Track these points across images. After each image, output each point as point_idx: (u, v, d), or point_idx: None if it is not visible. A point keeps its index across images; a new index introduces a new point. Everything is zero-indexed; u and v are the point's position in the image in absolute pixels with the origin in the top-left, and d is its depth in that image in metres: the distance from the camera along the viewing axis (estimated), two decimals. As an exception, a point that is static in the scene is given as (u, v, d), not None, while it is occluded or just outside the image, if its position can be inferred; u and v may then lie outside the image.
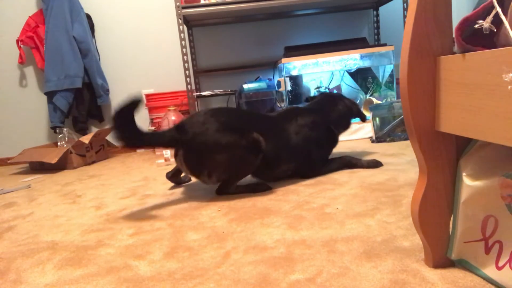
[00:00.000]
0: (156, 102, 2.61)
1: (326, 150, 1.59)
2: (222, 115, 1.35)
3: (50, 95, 2.67)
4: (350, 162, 1.60)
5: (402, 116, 2.06)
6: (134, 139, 1.28)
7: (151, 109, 2.65)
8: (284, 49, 2.55)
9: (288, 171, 1.50)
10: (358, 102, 2.63)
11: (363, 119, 1.75)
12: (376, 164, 1.57)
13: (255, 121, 1.43)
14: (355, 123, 2.35)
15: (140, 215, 1.29)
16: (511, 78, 0.49)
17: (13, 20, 2.74)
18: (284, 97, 2.46)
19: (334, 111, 1.63)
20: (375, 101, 2.31)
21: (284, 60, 2.40)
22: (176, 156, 1.39)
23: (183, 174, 1.61)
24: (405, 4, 2.57)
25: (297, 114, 1.53)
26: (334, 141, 1.62)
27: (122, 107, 1.23)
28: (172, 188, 1.60)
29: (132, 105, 1.25)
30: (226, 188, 1.39)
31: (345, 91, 2.64)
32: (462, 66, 0.59)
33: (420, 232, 0.73)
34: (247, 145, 1.31)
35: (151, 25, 2.80)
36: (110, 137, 2.77)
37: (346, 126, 1.67)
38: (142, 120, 2.88)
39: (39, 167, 2.43)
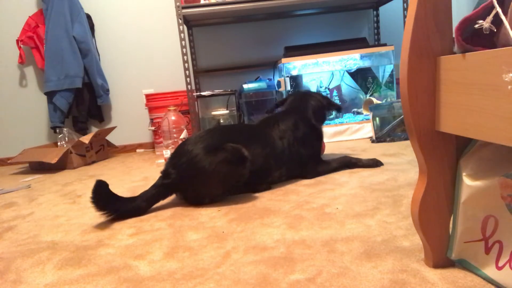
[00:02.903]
0: (156, 102, 2.61)
1: (315, 147, 1.59)
2: (201, 141, 1.35)
3: (50, 95, 2.67)
4: (350, 162, 1.60)
5: (402, 116, 2.06)
6: (132, 211, 1.28)
7: (151, 109, 2.64)
8: (284, 49, 2.55)
9: (282, 177, 1.50)
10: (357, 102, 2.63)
11: (339, 109, 1.75)
12: (376, 163, 1.58)
13: (235, 134, 1.43)
14: (355, 123, 2.36)
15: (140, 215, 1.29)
16: (511, 78, 0.49)
17: (13, 20, 2.74)
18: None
19: (308, 107, 1.65)
20: (375, 101, 2.31)
21: (284, 60, 2.40)
22: (176, 195, 1.44)
23: None
24: (405, 4, 2.57)
25: (278, 119, 1.55)
26: (320, 136, 1.63)
27: (94, 193, 1.21)
28: (172, 188, 1.60)
29: (100, 187, 1.23)
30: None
31: (345, 91, 2.64)
32: (462, 66, 0.59)
33: (420, 232, 0.73)
34: (229, 157, 1.30)
35: (151, 25, 2.80)
36: (110, 137, 2.77)
37: (322, 119, 1.70)
38: (142, 120, 2.89)
39: (39, 167, 2.43)
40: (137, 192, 1.58)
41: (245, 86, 2.49)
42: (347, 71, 2.60)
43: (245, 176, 1.35)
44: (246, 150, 1.34)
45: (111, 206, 1.24)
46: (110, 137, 2.77)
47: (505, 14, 0.55)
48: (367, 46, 2.45)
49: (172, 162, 1.36)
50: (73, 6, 2.61)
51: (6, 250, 1.11)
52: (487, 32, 0.56)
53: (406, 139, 2.08)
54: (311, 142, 1.56)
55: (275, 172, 1.47)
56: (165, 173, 1.35)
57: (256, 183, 1.43)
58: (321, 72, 2.55)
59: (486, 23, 0.56)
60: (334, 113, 2.54)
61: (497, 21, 0.56)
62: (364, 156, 1.80)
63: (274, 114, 1.63)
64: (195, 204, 1.36)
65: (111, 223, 1.24)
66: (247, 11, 2.60)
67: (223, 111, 2.49)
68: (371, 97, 2.42)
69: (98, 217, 1.32)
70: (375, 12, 2.85)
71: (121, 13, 2.78)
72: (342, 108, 1.76)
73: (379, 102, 2.30)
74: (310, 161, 1.55)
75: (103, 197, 1.23)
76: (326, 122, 2.46)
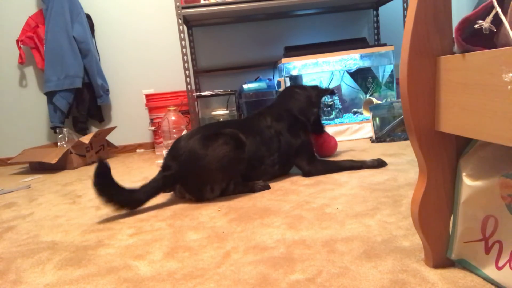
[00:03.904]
0: (156, 102, 2.61)
1: (303, 138, 1.60)
2: (197, 132, 1.39)
3: (50, 95, 2.67)
4: (352, 166, 1.59)
5: (402, 116, 2.06)
6: (132, 202, 1.29)
7: (151, 109, 2.64)
8: (284, 49, 2.55)
9: (275, 164, 1.52)
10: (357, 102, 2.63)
11: (331, 92, 1.81)
12: (381, 164, 1.57)
13: (227, 125, 1.48)
14: (355, 123, 2.35)
15: (140, 215, 1.29)
16: (511, 78, 0.49)
17: (13, 20, 2.74)
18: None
19: (293, 102, 1.68)
20: (375, 101, 2.31)
21: (284, 60, 2.40)
22: (174, 191, 1.45)
23: None
24: (405, 4, 2.57)
25: (263, 113, 1.61)
26: (306, 128, 1.65)
27: (96, 174, 1.23)
28: (172, 188, 1.60)
29: (102, 169, 1.25)
30: (223, 190, 1.39)
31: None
32: (462, 66, 0.59)
33: (420, 232, 0.73)
34: (228, 140, 1.34)
35: (151, 25, 2.80)
36: (110, 137, 2.77)
37: (310, 110, 1.70)
38: (142, 120, 2.89)
39: (39, 167, 2.43)
40: (137, 192, 1.59)
41: (245, 86, 2.49)
42: (347, 71, 2.60)
43: (244, 163, 1.38)
44: (240, 134, 1.39)
45: (111, 193, 1.25)
46: (110, 137, 2.77)
47: (505, 14, 0.55)
48: (367, 46, 2.45)
49: (170, 155, 1.38)
50: (73, 6, 2.61)
51: (6, 250, 1.11)
52: (487, 32, 0.56)
53: (406, 139, 2.08)
54: (297, 132, 1.59)
55: (268, 159, 1.50)
56: (165, 166, 1.37)
57: (253, 176, 1.46)
58: (321, 72, 2.55)
59: (486, 23, 0.56)
60: (334, 113, 2.54)
61: (497, 21, 0.56)
62: (365, 156, 1.80)
63: (259, 109, 1.69)
64: (196, 195, 1.37)
65: (111, 223, 1.24)
66: (247, 11, 2.60)
67: (223, 111, 2.49)
68: (371, 97, 2.42)
69: (98, 217, 1.32)
70: (375, 12, 2.85)
71: (121, 13, 2.78)
72: (334, 91, 1.82)
73: (379, 102, 2.30)
74: (303, 154, 1.57)
75: (104, 181, 1.24)
76: (326, 122, 2.46)
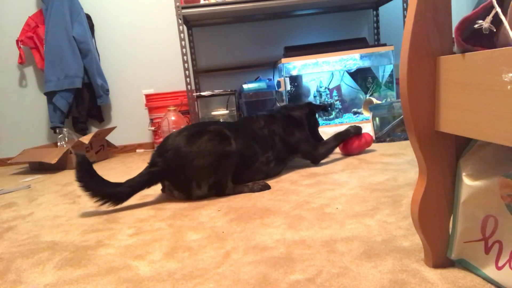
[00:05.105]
0: (156, 102, 2.61)
1: (298, 135, 1.67)
2: (185, 130, 1.41)
3: (50, 95, 2.67)
4: (343, 135, 1.76)
5: (402, 116, 2.06)
6: (116, 195, 1.32)
7: (151, 109, 2.65)
8: (284, 49, 2.55)
9: (270, 162, 1.55)
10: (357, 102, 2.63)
11: (325, 109, 1.98)
12: (358, 130, 1.80)
13: (217, 124, 1.50)
14: (355, 123, 2.35)
15: (140, 215, 1.29)
16: (510, 78, 0.49)
17: (13, 20, 2.74)
18: (284, 97, 2.46)
19: (285, 108, 1.80)
20: (375, 101, 2.31)
21: (284, 60, 2.40)
22: (163, 189, 1.48)
23: None
24: (405, 4, 2.57)
25: (255, 116, 1.66)
26: (299, 123, 1.72)
27: (78, 170, 1.27)
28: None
29: (83, 162, 1.29)
30: (221, 189, 1.40)
31: (345, 91, 2.65)
32: (462, 66, 0.59)
33: (420, 232, 0.73)
34: (212, 136, 1.36)
35: (151, 25, 2.80)
36: (110, 137, 2.77)
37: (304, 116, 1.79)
38: (142, 120, 2.89)
39: (39, 167, 2.43)
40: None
41: (245, 86, 2.49)
42: (347, 71, 2.60)
43: (233, 156, 1.39)
44: (226, 129, 1.42)
45: (95, 186, 1.28)
46: (110, 137, 2.77)
47: (505, 14, 0.55)
48: (367, 46, 2.45)
49: (158, 152, 1.41)
50: (73, 6, 2.61)
51: (6, 250, 1.11)
52: (487, 32, 0.56)
53: (406, 139, 2.08)
54: (291, 131, 1.65)
55: (262, 156, 1.52)
56: (151, 162, 1.40)
57: (247, 174, 1.48)
58: (321, 72, 2.55)
59: (485, 23, 0.56)
60: (334, 113, 2.54)
61: (496, 21, 0.56)
62: (365, 156, 1.80)
63: (251, 114, 1.74)
64: (183, 192, 1.39)
65: (111, 223, 1.24)
66: (247, 11, 2.60)
67: (223, 111, 2.49)
68: (371, 97, 2.42)
69: (98, 217, 1.32)
70: (375, 12, 2.85)
71: (121, 13, 2.78)
72: (327, 108, 1.97)
73: (379, 102, 2.30)
74: (305, 147, 1.66)
75: (87, 175, 1.28)
76: (326, 122, 2.47)
